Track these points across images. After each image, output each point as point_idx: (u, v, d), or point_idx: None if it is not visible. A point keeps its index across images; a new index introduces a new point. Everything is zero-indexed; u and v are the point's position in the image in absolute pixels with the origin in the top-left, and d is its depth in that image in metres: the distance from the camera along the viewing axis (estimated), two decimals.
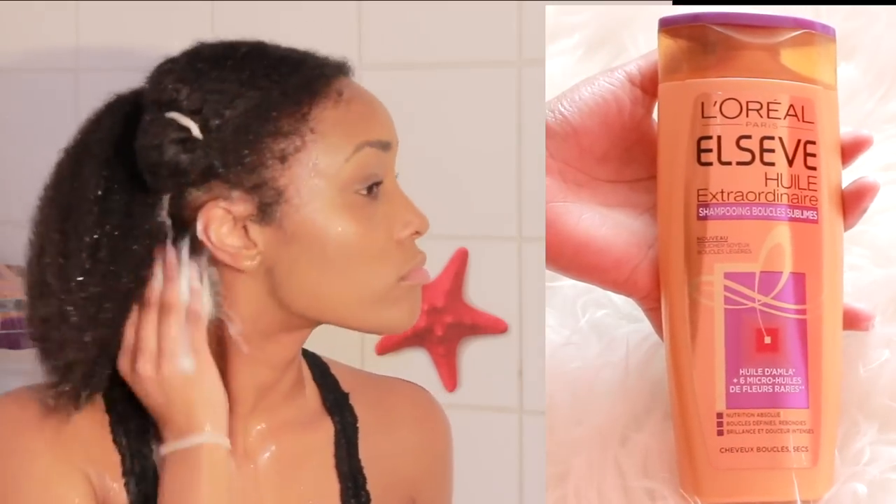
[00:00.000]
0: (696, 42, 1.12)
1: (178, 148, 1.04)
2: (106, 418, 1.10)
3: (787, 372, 1.10)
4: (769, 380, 1.10)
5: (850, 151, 1.13)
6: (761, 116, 1.11)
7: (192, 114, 1.05)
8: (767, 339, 1.10)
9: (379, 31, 1.58)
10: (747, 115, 1.11)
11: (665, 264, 1.11)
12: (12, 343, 1.62)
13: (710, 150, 1.11)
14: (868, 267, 1.19)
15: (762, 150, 1.10)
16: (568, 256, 1.12)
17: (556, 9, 1.30)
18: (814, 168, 1.11)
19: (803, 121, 1.11)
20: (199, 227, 1.06)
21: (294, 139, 1.06)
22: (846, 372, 1.15)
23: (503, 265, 1.55)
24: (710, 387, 1.10)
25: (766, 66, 1.11)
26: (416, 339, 1.57)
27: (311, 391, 1.17)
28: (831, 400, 1.11)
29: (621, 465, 1.16)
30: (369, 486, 1.16)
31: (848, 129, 1.14)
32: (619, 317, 1.22)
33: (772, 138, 1.10)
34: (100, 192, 1.07)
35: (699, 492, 1.10)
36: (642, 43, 1.26)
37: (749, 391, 1.10)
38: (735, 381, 1.10)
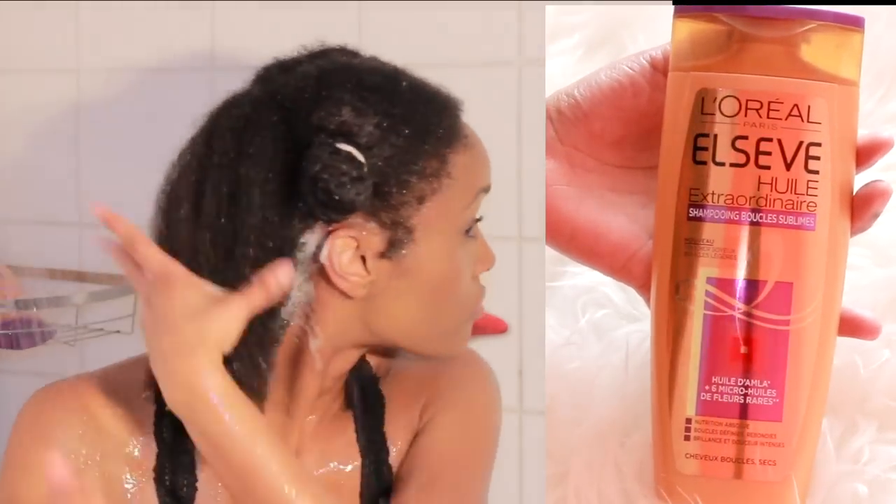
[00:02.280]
0: (706, 32, 1.08)
1: (357, 187, 1.05)
2: (152, 408, 1.11)
3: (761, 383, 1.08)
4: (741, 390, 1.08)
5: (866, 154, 1.08)
6: (760, 116, 1.07)
7: (364, 148, 1.06)
8: (744, 349, 1.07)
9: (379, 31, 1.58)
10: (746, 115, 1.07)
11: (655, 262, 1.10)
12: (12, 343, 1.62)
13: (705, 149, 1.07)
14: (868, 267, 1.19)
15: (758, 153, 1.07)
16: (566, 238, 1.12)
17: (556, 9, 1.30)
18: (815, 172, 1.07)
19: (808, 121, 1.07)
20: (325, 251, 1.07)
21: (433, 182, 1.08)
22: (845, 372, 1.14)
23: (503, 265, 1.55)
24: (682, 391, 1.08)
25: (777, 61, 1.07)
26: None
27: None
28: (812, 415, 1.08)
29: (621, 466, 1.16)
30: (392, 458, 1.17)
31: (865, 131, 1.10)
32: (619, 317, 1.22)
33: (769, 140, 1.07)
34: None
35: (664, 494, 1.09)
36: (642, 43, 1.26)
37: (720, 399, 1.08)
38: (707, 388, 1.08)
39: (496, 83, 1.53)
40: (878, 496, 1.12)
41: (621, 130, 1.13)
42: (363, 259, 1.07)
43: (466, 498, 1.17)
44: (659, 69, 1.11)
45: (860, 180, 1.10)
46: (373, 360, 1.20)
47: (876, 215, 1.09)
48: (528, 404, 1.54)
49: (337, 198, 1.04)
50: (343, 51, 1.14)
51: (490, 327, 1.55)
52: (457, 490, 1.16)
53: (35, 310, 1.60)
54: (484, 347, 1.56)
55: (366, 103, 1.06)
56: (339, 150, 1.05)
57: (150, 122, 1.65)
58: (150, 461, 1.11)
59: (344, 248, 1.07)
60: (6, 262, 1.71)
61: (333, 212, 1.05)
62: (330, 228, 1.06)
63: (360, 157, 1.05)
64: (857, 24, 1.08)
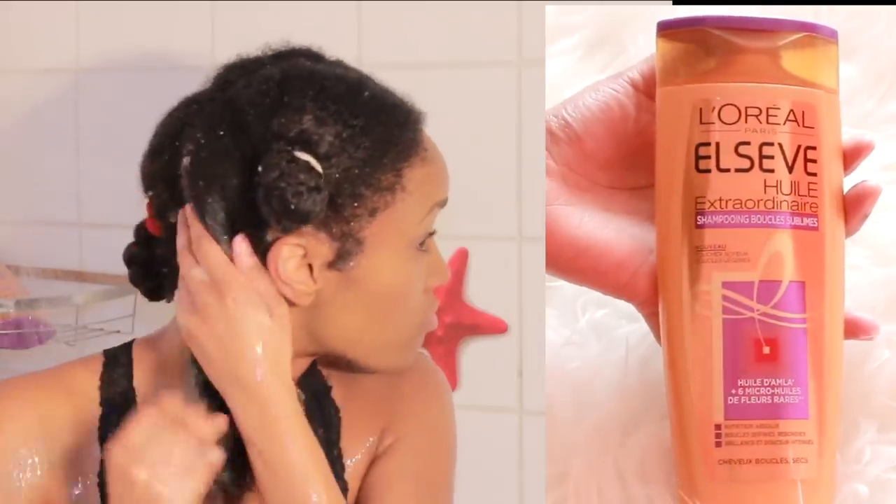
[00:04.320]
0: (695, 46, 1.10)
1: (314, 197, 1.03)
2: (98, 411, 1.11)
3: (786, 382, 1.08)
4: (768, 390, 1.08)
5: (851, 157, 1.11)
6: (760, 122, 1.09)
7: (323, 158, 1.04)
8: (766, 350, 1.08)
9: (379, 31, 1.58)
10: (746, 121, 1.09)
11: (663, 273, 1.10)
12: (12, 343, 1.63)
13: (708, 157, 1.09)
14: (868, 267, 1.19)
15: (761, 157, 1.09)
16: (567, 259, 1.11)
17: (556, 9, 1.30)
18: (814, 174, 1.09)
19: (804, 126, 1.09)
20: (269, 256, 1.05)
21: (386, 195, 1.06)
22: (846, 371, 1.15)
23: (503, 265, 1.55)
24: (708, 398, 1.08)
25: (766, 70, 1.09)
26: None
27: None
28: (832, 409, 1.09)
29: (621, 465, 1.16)
30: (347, 474, 1.16)
31: (850, 131, 1.12)
32: (619, 317, 1.22)
33: (771, 144, 1.09)
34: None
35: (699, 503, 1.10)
36: (642, 43, 1.26)
37: (748, 402, 1.08)
38: (733, 392, 1.08)
39: (496, 83, 1.53)
40: (879, 496, 1.12)
41: (611, 151, 1.13)
42: (310, 267, 1.06)
43: None
44: (640, 90, 1.13)
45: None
46: (324, 369, 1.19)
47: (866, 216, 1.11)
48: (528, 404, 1.54)
49: (293, 207, 1.03)
50: (307, 53, 1.11)
51: (490, 327, 1.55)
52: None
53: (35, 310, 1.60)
54: (484, 347, 1.56)
55: (327, 112, 1.05)
56: (297, 159, 1.03)
57: (150, 122, 1.65)
58: (95, 466, 1.10)
59: (290, 255, 1.05)
60: (6, 262, 1.71)
61: (288, 221, 1.04)
62: (279, 236, 1.05)
63: (318, 167, 1.03)
64: (832, 35, 1.11)
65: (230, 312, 1.04)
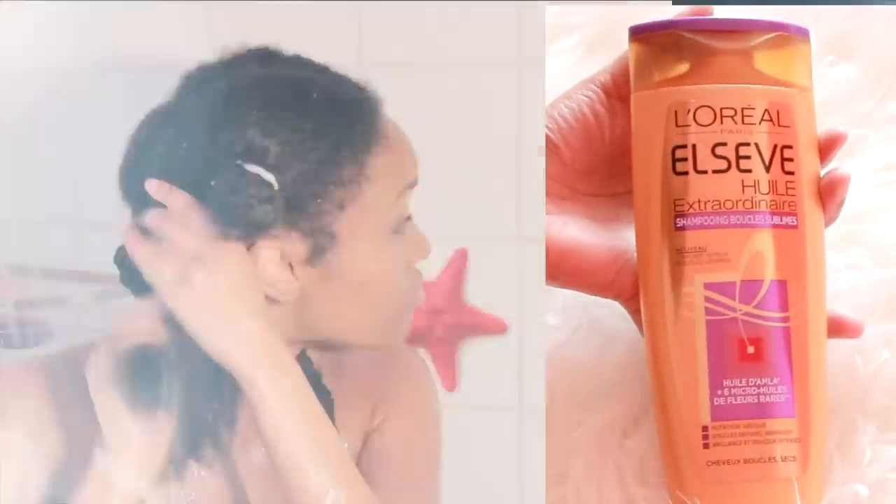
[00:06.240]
0: (668, 49, 1.10)
1: (267, 207, 1.06)
2: None
3: (771, 381, 1.08)
4: (754, 390, 1.08)
5: (826, 149, 1.11)
6: (736, 123, 1.09)
7: (272, 168, 1.06)
8: (751, 349, 1.08)
9: (379, 31, 1.58)
10: (722, 122, 1.09)
11: (644, 276, 1.11)
12: (11, 343, 1.63)
13: (685, 160, 1.09)
14: (868, 267, 1.19)
15: (738, 157, 1.09)
16: (552, 263, 1.12)
17: (556, 9, 1.30)
18: (791, 173, 1.09)
19: (779, 125, 1.09)
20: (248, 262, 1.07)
21: (352, 188, 1.08)
22: (845, 371, 1.15)
23: (503, 265, 1.55)
24: (693, 400, 1.09)
25: (740, 71, 1.10)
26: (416, 339, 1.57)
27: None
28: (819, 407, 1.09)
29: (621, 465, 1.16)
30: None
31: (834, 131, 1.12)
32: (619, 316, 1.22)
33: (748, 144, 1.09)
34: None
35: None
36: None
37: (734, 402, 1.08)
38: (719, 392, 1.09)
39: (496, 83, 1.53)
40: (879, 497, 1.12)
41: (590, 159, 1.14)
42: (290, 266, 1.08)
43: (420, 498, 1.20)
44: (612, 95, 1.13)
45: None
46: (313, 355, 1.20)
47: (841, 203, 1.11)
48: (528, 404, 1.54)
49: (246, 220, 1.06)
50: (262, 55, 1.12)
51: (490, 327, 1.55)
52: (410, 493, 1.19)
53: (35, 310, 1.60)
54: (484, 347, 1.56)
55: (274, 122, 1.06)
56: (246, 172, 1.06)
57: None
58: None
59: (269, 258, 1.07)
60: (6, 262, 1.71)
61: (246, 232, 1.06)
62: (253, 241, 1.07)
63: (269, 178, 1.06)
64: (804, 34, 1.11)
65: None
